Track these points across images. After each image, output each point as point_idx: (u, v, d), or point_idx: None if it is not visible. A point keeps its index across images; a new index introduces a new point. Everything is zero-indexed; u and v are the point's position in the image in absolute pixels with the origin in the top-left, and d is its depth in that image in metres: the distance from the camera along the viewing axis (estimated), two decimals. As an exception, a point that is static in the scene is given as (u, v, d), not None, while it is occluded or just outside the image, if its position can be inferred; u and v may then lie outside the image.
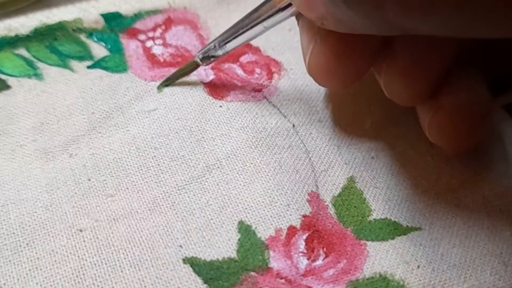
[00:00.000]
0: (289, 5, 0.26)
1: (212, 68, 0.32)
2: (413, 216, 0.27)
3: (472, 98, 0.26)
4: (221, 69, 0.32)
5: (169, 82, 0.31)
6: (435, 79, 0.26)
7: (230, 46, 0.29)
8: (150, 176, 0.27)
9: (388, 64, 0.26)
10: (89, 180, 0.27)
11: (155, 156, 0.28)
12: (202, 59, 0.30)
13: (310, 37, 0.27)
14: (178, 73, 0.31)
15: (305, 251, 0.25)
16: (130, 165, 0.28)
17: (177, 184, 0.27)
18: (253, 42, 0.34)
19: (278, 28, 0.34)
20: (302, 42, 0.28)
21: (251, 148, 0.29)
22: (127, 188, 0.27)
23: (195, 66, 0.31)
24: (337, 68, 0.26)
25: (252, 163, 0.28)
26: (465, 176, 0.28)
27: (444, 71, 0.26)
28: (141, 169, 0.28)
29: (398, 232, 0.26)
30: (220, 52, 0.30)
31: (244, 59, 0.33)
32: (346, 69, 0.27)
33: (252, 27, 0.28)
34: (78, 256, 0.24)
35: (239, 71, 0.32)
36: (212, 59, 0.30)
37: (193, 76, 0.31)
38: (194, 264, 0.25)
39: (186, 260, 0.25)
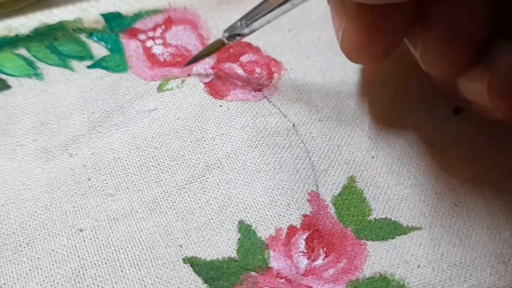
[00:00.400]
0: None
1: (212, 68, 0.32)
2: (413, 216, 0.27)
3: None
4: (221, 69, 0.32)
5: (196, 60, 0.32)
6: (474, 47, 0.26)
7: (257, 25, 0.29)
8: (150, 175, 0.27)
9: (425, 35, 0.26)
10: (89, 179, 0.27)
11: (155, 155, 0.28)
12: (228, 38, 0.30)
13: (341, 14, 0.27)
14: (205, 51, 0.31)
15: (305, 250, 0.25)
16: (130, 165, 0.28)
17: (177, 184, 0.27)
18: (253, 42, 0.34)
19: (278, 28, 0.34)
20: (334, 20, 0.28)
21: (251, 147, 0.29)
22: (127, 188, 0.27)
23: (221, 44, 0.31)
24: (370, 43, 0.26)
25: (252, 163, 0.28)
26: (465, 175, 0.28)
27: (482, 39, 0.26)
28: (141, 169, 0.28)
29: (398, 231, 0.26)
30: (246, 31, 0.30)
31: (244, 58, 0.33)
32: (380, 44, 0.27)
33: (280, 5, 0.28)
34: (78, 256, 0.24)
35: (239, 71, 0.32)
36: (238, 38, 0.30)
37: (193, 76, 0.31)
38: (194, 263, 0.25)
39: (186, 260, 0.25)
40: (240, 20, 0.29)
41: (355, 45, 0.27)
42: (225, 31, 0.30)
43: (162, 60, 0.32)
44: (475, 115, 0.30)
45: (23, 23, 0.32)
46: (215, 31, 0.34)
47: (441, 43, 0.26)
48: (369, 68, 0.30)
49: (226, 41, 0.30)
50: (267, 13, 0.28)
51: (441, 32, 0.25)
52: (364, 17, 0.26)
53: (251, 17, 0.29)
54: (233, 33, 0.30)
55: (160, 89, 0.31)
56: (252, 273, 0.24)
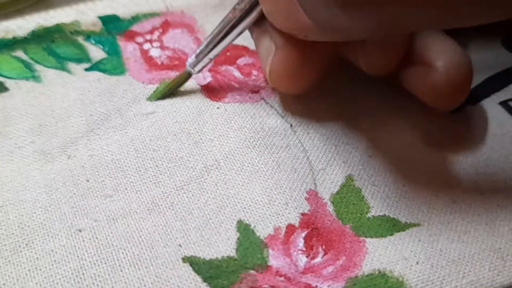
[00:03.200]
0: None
1: (209, 71, 0.32)
2: (411, 212, 0.27)
3: (461, 59, 0.28)
4: (218, 71, 0.32)
5: (161, 95, 0.31)
6: (407, 41, 0.28)
7: (212, 54, 0.29)
8: (149, 177, 0.27)
9: (362, 45, 0.27)
10: (88, 181, 0.27)
11: (153, 157, 0.28)
12: (193, 66, 0.30)
13: (267, 46, 0.28)
14: (172, 84, 0.31)
15: (304, 249, 0.25)
16: (129, 166, 0.28)
17: (175, 185, 0.27)
18: (250, 45, 0.34)
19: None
20: (261, 52, 0.29)
21: (249, 148, 0.29)
22: (126, 189, 0.27)
23: (188, 76, 0.31)
24: (300, 70, 0.27)
25: (250, 163, 0.28)
26: (462, 172, 0.29)
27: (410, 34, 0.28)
28: (140, 170, 0.28)
29: (397, 228, 0.26)
30: (206, 60, 0.30)
31: (241, 61, 0.33)
32: (309, 71, 0.28)
33: (224, 36, 0.29)
34: (78, 256, 0.24)
35: (236, 73, 0.32)
36: (202, 65, 0.30)
37: (191, 79, 0.31)
38: (194, 263, 0.25)
39: (185, 259, 0.25)
40: (200, 51, 0.30)
41: (284, 74, 0.28)
42: (189, 62, 0.30)
43: (159, 63, 0.33)
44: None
45: (21, 25, 0.32)
46: (212, 35, 0.34)
47: (377, 44, 0.27)
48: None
49: (192, 71, 0.30)
50: (217, 43, 0.29)
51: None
52: (292, 46, 0.27)
53: (203, 49, 0.29)
54: (196, 63, 0.30)
55: (151, 99, 0.31)
56: (252, 271, 0.24)
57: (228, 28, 0.28)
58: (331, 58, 0.28)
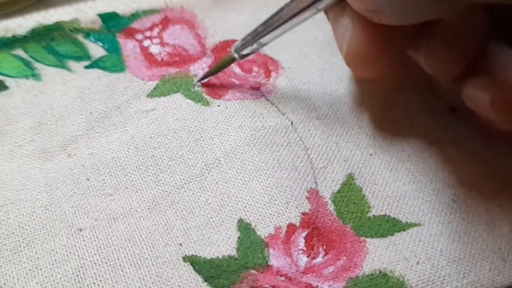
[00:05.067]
0: None
1: (210, 67, 0.32)
2: (412, 212, 0.27)
3: None
4: (218, 68, 0.32)
5: (206, 77, 0.31)
6: (474, 48, 0.26)
7: (265, 39, 0.29)
8: (149, 175, 0.27)
9: (428, 39, 0.26)
10: (88, 179, 0.27)
11: (153, 155, 0.28)
12: (237, 52, 0.30)
13: (344, 26, 0.26)
14: (215, 68, 0.31)
15: (304, 248, 0.25)
16: (129, 165, 0.28)
17: (176, 183, 0.27)
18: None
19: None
20: (336, 33, 0.27)
21: (250, 146, 0.29)
22: (126, 187, 0.27)
23: (231, 60, 0.30)
24: (377, 53, 0.26)
25: (250, 161, 0.28)
26: (463, 172, 0.29)
27: (481, 41, 0.26)
28: (140, 169, 0.28)
29: (397, 228, 0.26)
30: (255, 45, 0.29)
31: (241, 57, 0.33)
32: (386, 54, 0.26)
33: (286, 20, 0.27)
34: (78, 256, 0.24)
35: (237, 70, 0.32)
36: (247, 53, 0.30)
37: (191, 76, 0.31)
38: (194, 262, 0.25)
39: (186, 258, 0.25)
40: (248, 35, 0.29)
41: (361, 56, 0.26)
42: (235, 46, 0.30)
43: (159, 59, 0.32)
44: (467, 115, 0.30)
45: (20, 24, 0.32)
46: (212, 31, 0.34)
47: (445, 45, 0.26)
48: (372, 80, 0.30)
49: (236, 57, 0.30)
50: (274, 28, 0.28)
51: (442, 36, 0.26)
52: (370, 27, 0.25)
53: (259, 32, 0.29)
54: (243, 47, 0.29)
55: (198, 86, 0.31)
56: (252, 271, 0.24)
57: (294, 12, 0.27)
58: (410, 42, 0.27)
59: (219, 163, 0.28)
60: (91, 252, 0.25)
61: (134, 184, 0.27)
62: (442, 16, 0.23)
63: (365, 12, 0.24)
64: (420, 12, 0.23)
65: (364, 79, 0.31)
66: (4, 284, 0.23)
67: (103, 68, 0.32)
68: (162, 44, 0.33)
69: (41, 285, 0.24)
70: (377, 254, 0.25)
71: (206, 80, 0.31)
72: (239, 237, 0.25)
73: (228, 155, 0.28)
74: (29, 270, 0.24)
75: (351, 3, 0.25)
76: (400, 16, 0.23)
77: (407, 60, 0.28)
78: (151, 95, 0.31)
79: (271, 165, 0.28)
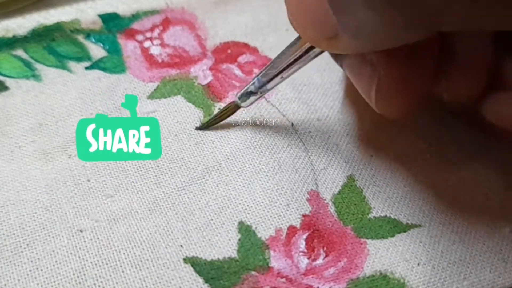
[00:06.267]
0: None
1: (210, 69, 0.32)
2: (412, 213, 0.27)
3: None
4: (219, 70, 0.32)
5: (209, 125, 0.30)
6: (491, 67, 0.26)
7: (270, 85, 0.28)
8: (150, 177, 0.27)
9: (447, 69, 0.26)
10: (89, 180, 0.27)
11: (154, 157, 0.28)
12: (241, 98, 0.29)
13: (368, 74, 0.26)
14: (219, 115, 0.30)
15: (305, 250, 0.25)
16: (129, 166, 0.28)
17: (176, 186, 0.27)
18: (251, 43, 0.34)
19: (275, 28, 0.35)
20: (359, 83, 0.26)
21: (250, 148, 0.29)
22: (127, 189, 0.27)
23: (235, 107, 0.29)
24: (407, 93, 0.25)
25: (251, 164, 0.28)
26: (463, 173, 0.29)
27: (494, 57, 0.26)
28: (141, 171, 0.28)
29: (398, 229, 0.26)
30: (259, 91, 0.28)
31: (242, 59, 0.33)
32: (416, 92, 0.26)
33: (284, 69, 0.27)
34: (79, 257, 0.24)
35: (237, 71, 0.32)
36: (251, 98, 0.29)
37: (191, 78, 0.31)
38: (195, 263, 0.25)
39: (187, 260, 0.25)
40: (251, 83, 0.28)
41: (393, 101, 0.26)
42: (238, 94, 0.29)
43: (160, 61, 0.32)
44: (471, 116, 0.30)
45: (21, 24, 0.32)
46: (213, 32, 0.34)
47: (464, 70, 0.26)
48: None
49: (240, 104, 0.29)
50: (279, 73, 0.27)
51: (463, 61, 0.25)
52: (396, 69, 0.25)
53: (265, 76, 0.28)
54: (246, 92, 0.29)
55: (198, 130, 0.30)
56: (253, 273, 0.24)
57: (288, 61, 0.27)
58: (434, 73, 0.26)
59: (220, 166, 0.28)
60: (91, 253, 0.25)
61: (135, 186, 0.27)
62: (403, 43, 0.22)
63: (314, 37, 0.24)
64: (378, 38, 0.22)
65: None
66: (5, 285, 0.23)
67: (104, 69, 0.32)
68: (163, 45, 0.33)
69: (41, 286, 0.24)
70: (378, 256, 0.25)
71: (208, 127, 0.30)
72: (239, 239, 0.25)
73: (228, 158, 0.28)
74: (30, 271, 0.24)
75: (298, 27, 0.24)
76: (358, 42, 0.23)
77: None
78: (151, 96, 0.31)
79: (271, 167, 0.28)
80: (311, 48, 0.26)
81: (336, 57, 0.28)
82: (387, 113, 0.27)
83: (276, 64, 0.27)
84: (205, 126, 0.30)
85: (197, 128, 0.30)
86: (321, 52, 0.26)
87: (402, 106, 0.26)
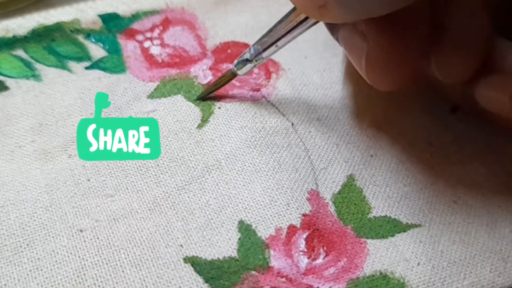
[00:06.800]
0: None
1: (210, 69, 0.32)
2: (412, 213, 0.27)
3: None
4: (219, 70, 0.32)
5: (207, 94, 0.31)
6: (484, 49, 0.26)
7: (266, 54, 0.29)
8: (150, 176, 0.27)
9: (438, 44, 0.26)
10: (89, 180, 0.27)
11: (154, 157, 0.28)
12: (237, 65, 0.30)
13: (359, 44, 0.26)
14: (216, 84, 0.31)
15: (305, 250, 0.25)
16: (129, 166, 0.28)
17: (176, 185, 0.27)
18: (251, 43, 0.34)
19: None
20: (351, 53, 0.27)
21: (250, 147, 0.29)
22: (127, 189, 0.27)
23: (232, 75, 0.30)
24: (396, 65, 0.26)
25: (251, 163, 0.28)
26: (463, 173, 0.29)
27: (490, 40, 0.26)
28: (141, 170, 0.28)
29: (398, 229, 0.26)
30: (256, 59, 0.29)
31: (242, 59, 0.33)
32: (405, 64, 0.26)
33: (280, 38, 0.28)
34: (79, 256, 0.24)
35: (238, 71, 0.32)
36: (248, 65, 0.29)
37: (191, 78, 0.31)
38: (195, 263, 0.25)
39: (187, 260, 0.25)
40: (247, 51, 0.29)
41: (381, 70, 0.26)
42: (235, 61, 0.30)
43: (160, 60, 0.32)
44: (472, 114, 0.30)
45: (21, 24, 0.32)
46: (213, 32, 0.34)
47: (453, 50, 0.26)
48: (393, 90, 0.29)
49: (236, 71, 0.30)
50: (274, 42, 0.28)
51: (451, 40, 0.26)
52: (386, 40, 0.25)
53: (260, 44, 0.28)
54: (242, 60, 0.29)
55: (196, 102, 0.31)
56: (253, 272, 0.24)
57: (284, 31, 0.27)
58: (425, 48, 0.26)
59: (220, 165, 0.28)
60: (91, 253, 0.25)
61: (135, 185, 0.27)
62: (392, 10, 0.23)
63: (313, 10, 0.24)
64: (366, 4, 0.22)
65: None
66: (5, 284, 0.23)
67: (104, 69, 0.32)
68: (163, 45, 0.33)
69: (41, 285, 0.24)
70: (378, 255, 0.25)
71: (206, 95, 0.31)
72: (239, 238, 0.25)
73: (228, 157, 0.28)
74: (30, 270, 0.24)
75: (298, 4, 0.25)
76: (347, 10, 0.23)
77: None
78: (151, 96, 0.31)
79: (271, 166, 0.28)
80: (305, 18, 0.26)
81: (332, 30, 0.29)
82: (378, 84, 0.27)
83: (271, 33, 0.28)
84: (204, 95, 0.31)
85: (196, 98, 0.31)
86: (315, 22, 0.26)
87: (392, 77, 0.26)
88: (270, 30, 0.28)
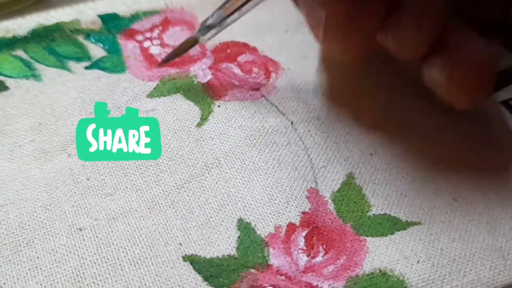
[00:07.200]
0: None
1: (210, 68, 0.32)
2: (412, 211, 0.27)
3: (485, 57, 0.27)
4: (218, 69, 0.32)
5: (170, 59, 0.31)
6: (438, 29, 0.27)
7: (230, 20, 0.29)
8: (149, 175, 0.27)
9: (394, 19, 0.27)
10: (88, 179, 0.27)
11: (153, 155, 0.28)
12: (201, 31, 0.30)
13: (317, 13, 0.27)
14: (178, 50, 0.31)
15: (304, 248, 0.25)
16: (129, 165, 0.28)
17: (176, 183, 0.27)
18: (250, 43, 0.34)
19: (275, 29, 0.35)
20: (309, 20, 0.28)
21: (250, 146, 0.29)
22: (126, 187, 0.27)
23: (194, 41, 0.30)
24: (352, 34, 0.26)
25: (250, 161, 0.28)
26: (463, 170, 0.29)
27: (444, 21, 0.27)
28: (140, 169, 0.28)
29: (398, 227, 0.26)
30: (219, 25, 0.29)
31: (241, 58, 0.33)
32: (361, 34, 0.27)
33: (243, 4, 0.28)
34: (78, 255, 0.24)
35: (237, 71, 0.32)
36: (211, 31, 0.30)
37: (191, 77, 0.31)
38: (194, 261, 0.25)
39: (186, 258, 0.25)
40: (211, 16, 0.29)
41: (339, 38, 0.27)
42: (198, 29, 0.30)
43: (159, 60, 0.32)
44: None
45: (20, 24, 0.32)
46: (212, 32, 0.34)
47: (408, 27, 0.27)
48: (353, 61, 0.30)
49: (199, 38, 0.30)
50: (237, 8, 0.28)
51: (406, 17, 0.27)
52: (344, 7, 0.26)
53: (224, 10, 0.29)
54: (205, 26, 0.30)
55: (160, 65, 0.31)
56: (252, 270, 0.24)
57: None
58: (383, 18, 0.27)
59: (219, 163, 0.28)
60: (91, 252, 0.25)
61: (134, 184, 0.27)
62: None
63: None
64: None
65: (367, 81, 0.32)
66: (4, 283, 0.23)
67: (103, 69, 0.32)
68: (162, 45, 0.33)
69: (41, 284, 0.24)
70: (377, 253, 0.25)
71: (168, 61, 0.31)
72: (239, 237, 0.25)
73: (228, 155, 0.28)
74: (29, 269, 0.24)
75: None
76: None
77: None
78: (151, 95, 0.31)
79: (271, 164, 0.28)
80: None
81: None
82: (334, 53, 0.28)
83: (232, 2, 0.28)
84: (166, 60, 0.31)
85: (159, 64, 0.31)
86: None
87: (349, 46, 0.27)
88: None
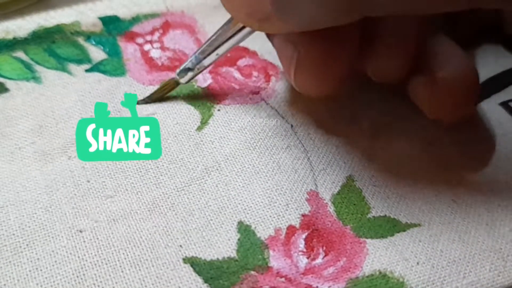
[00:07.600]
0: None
1: (210, 72, 0.32)
2: (412, 213, 0.27)
3: (466, 72, 0.28)
4: (218, 73, 0.32)
5: (148, 101, 0.31)
6: (418, 48, 0.27)
7: (207, 61, 0.29)
8: (149, 178, 0.27)
9: (374, 47, 0.27)
10: (88, 181, 0.27)
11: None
12: (179, 74, 0.30)
13: (290, 53, 0.27)
14: (159, 91, 0.31)
15: (304, 250, 0.25)
16: (129, 167, 0.28)
17: (176, 186, 0.27)
18: (250, 47, 0.34)
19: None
20: (282, 58, 0.28)
21: (250, 149, 0.29)
22: (126, 190, 0.27)
23: (175, 83, 0.30)
24: (323, 74, 0.27)
25: (250, 164, 0.28)
26: (463, 172, 0.29)
27: (423, 39, 0.28)
28: (140, 171, 0.28)
29: (397, 228, 0.26)
30: (197, 67, 0.30)
31: (241, 62, 0.33)
32: (336, 71, 0.27)
33: (219, 46, 0.28)
34: (79, 257, 0.24)
35: (237, 75, 0.32)
36: (189, 73, 0.30)
37: (192, 81, 0.32)
38: (195, 263, 0.25)
39: (186, 260, 0.25)
40: (190, 59, 0.30)
41: (311, 77, 0.27)
42: (177, 70, 0.30)
43: (160, 64, 0.33)
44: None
45: (21, 26, 0.32)
46: (213, 35, 0.34)
47: (389, 52, 0.27)
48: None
49: (179, 80, 0.30)
50: (214, 49, 0.29)
51: (382, 44, 0.27)
52: (317, 48, 0.26)
53: (201, 53, 0.29)
54: (184, 69, 0.30)
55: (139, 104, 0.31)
56: (252, 272, 0.24)
57: (223, 39, 0.28)
58: (356, 55, 0.27)
59: (219, 166, 0.28)
60: (91, 253, 0.25)
61: (134, 187, 0.27)
62: (334, 25, 0.23)
63: (246, 17, 0.25)
64: (310, 20, 0.23)
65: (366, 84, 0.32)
66: (4, 285, 0.23)
67: (104, 72, 0.32)
68: (163, 48, 0.33)
69: (41, 286, 0.23)
70: (377, 255, 0.25)
71: (149, 102, 0.31)
72: (239, 239, 0.25)
73: (228, 159, 0.28)
74: (29, 271, 0.24)
75: (237, 18, 0.26)
76: (287, 24, 0.24)
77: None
78: (139, 102, 0.31)
79: (271, 167, 0.28)
80: (243, 27, 0.27)
81: (268, 36, 0.30)
82: (304, 90, 0.28)
83: (212, 42, 0.29)
84: (145, 101, 0.31)
85: (138, 103, 0.31)
86: (252, 31, 0.27)
87: (321, 85, 0.27)
88: (210, 39, 0.29)
